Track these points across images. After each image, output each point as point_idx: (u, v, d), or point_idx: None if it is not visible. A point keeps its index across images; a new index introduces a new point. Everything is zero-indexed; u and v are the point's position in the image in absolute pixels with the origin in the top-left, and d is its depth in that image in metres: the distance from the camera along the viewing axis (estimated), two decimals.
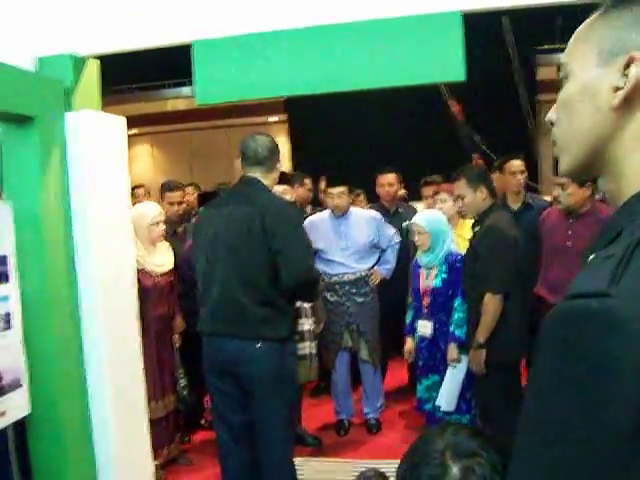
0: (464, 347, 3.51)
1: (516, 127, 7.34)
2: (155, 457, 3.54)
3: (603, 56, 0.76)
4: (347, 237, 4.29)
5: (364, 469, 1.45)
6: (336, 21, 2.82)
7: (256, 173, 3.10)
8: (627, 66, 0.73)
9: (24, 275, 2.57)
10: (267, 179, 3.10)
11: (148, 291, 3.65)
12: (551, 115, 0.88)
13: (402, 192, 5.41)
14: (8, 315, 2.45)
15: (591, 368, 0.58)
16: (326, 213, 4.42)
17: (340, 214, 4.29)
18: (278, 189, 3.56)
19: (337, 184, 4.25)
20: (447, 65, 2.76)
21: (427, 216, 3.78)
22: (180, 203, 4.63)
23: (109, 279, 2.92)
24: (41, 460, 2.65)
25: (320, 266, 4.16)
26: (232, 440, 3.05)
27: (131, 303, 3.11)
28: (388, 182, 4.95)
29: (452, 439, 1.06)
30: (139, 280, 3.57)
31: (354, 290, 4.28)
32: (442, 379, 3.62)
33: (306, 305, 3.88)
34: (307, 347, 3.89)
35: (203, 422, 4.61)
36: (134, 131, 10.23)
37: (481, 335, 3.27)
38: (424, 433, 1.14)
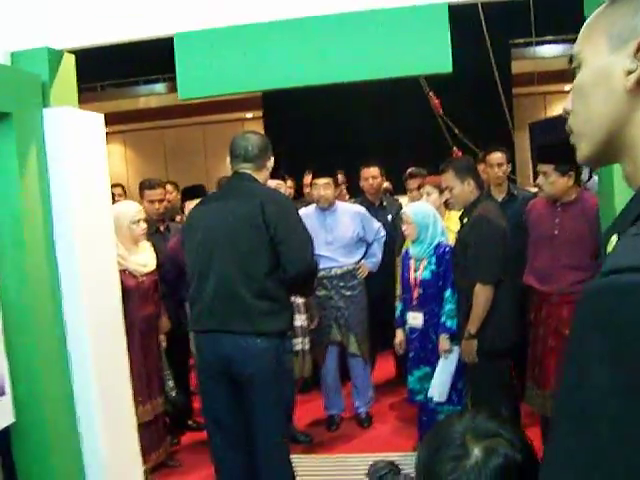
0: (455, 338, 3.54)
1: (495, 120, 7.37)
2: (145, 461, 3.47)
3: (614, 42, 0.79)
4: (332, 231, 4.30)
5: (374, 461, 1.42)
6: (320, 13, 2.78)
7: (247, 170, 3.05)
8: (638, 50, 0.75)
9: (4, 278, 2.48)
10: (258, 176, 3.05)
11: (131, 292, 3.56)
12: (567, 105, 0.89)
13: (386, 185, 5.39)
14: None
15: (635, 341, 0.57)
16: (311, 208, 4.41)
17: (326, 206, 4.29)
18: (272, 184, 3.52)
19: (323, 176, 4.25)
20: (434, 57, 2.74)
21: (415, 207, 3.81)
22: (161, 201, 4.53)
23: (93, 280, 2.83)
24: (26, 469, 2.56)
25: None
26: (227, 444, 2.98)
27: (116, 304, 3.02)
28: (372, 175, 4.97)
29: (470, 422, 1.09)
30: (121, 281, 3.49)
31: (342, 284, 4.30)
32: (433, 370, 3.62)
33: (299, 301, 3.84)
34: (300, 343, 3.86)
35: (191, 423, 4.54)
36: (105, 130, 10.05)
37: (472, 325, 3.33)
38: (442, 420, 1.17)
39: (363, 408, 4.51)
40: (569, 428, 0.63)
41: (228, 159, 3.11)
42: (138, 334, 3.64)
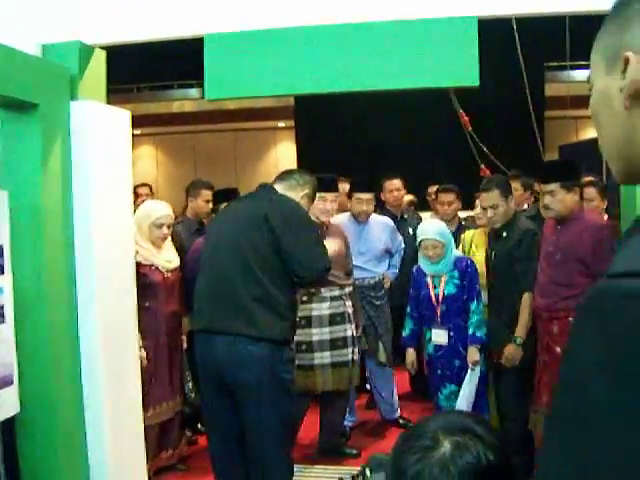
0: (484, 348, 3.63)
1: (524, 141, 7.30)
2: (156, 459, 3.45)
3: (609, 63, 0.79)
4: (366, 242, 4.33)
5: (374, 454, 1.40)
6: (350, 20, 2.78)
7: (277, 186, 3.07)
8: (625, 67, 0.76)
9: (20, 268, 2.49)
10: (284, 192, 3.04)
11: (158, 287, 3.55)
12: None
13: (410, 198, 5.36)
14: (2, 308, 2.35)
15: (633, 346, 0.56)
16: (345, 217, 4.42)
17: (364, 220, 4.35)
18: (329, 197, 3.76)
19: (366, 190, 4.32)
20: (461, 70, 2.74)
21: (437, 228, 3.74)
22: (209, 201, 4.69)
23: (109, 275, 2.83)
24: (30, 462, 2.55)
25: None
26: (225, 452, 2.92)
27: (130, 301, 3.02)
28: (395, 187, 4.99)
29: (444, 419, 1.06)
30: (147, 276, 3.50)
31: (373, 294, 4.35)
32: (460, 387, 3.60)
33: (349, 310, 3.83)
34: (349, 353, 3.82)
35: (200, 426, 4.52)
36: (137, 131, 10.17)
37: (522, 332, 3.48)
38: (420, 418, 1.14)
39: (395, 413, 4.52)
40: (564, 431, 0.62)
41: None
42: (165, 330, 3.63)
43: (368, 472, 1.18)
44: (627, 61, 0.75)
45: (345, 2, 2.80)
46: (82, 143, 2.75)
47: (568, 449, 0.61)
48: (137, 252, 3.43)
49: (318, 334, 3.73)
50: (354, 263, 4.16)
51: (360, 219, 4.35)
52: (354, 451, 4.14)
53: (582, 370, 0.60)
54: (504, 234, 3.63)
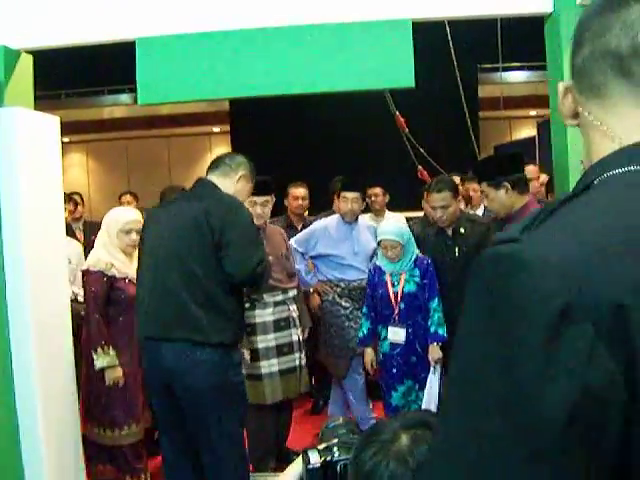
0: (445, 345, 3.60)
1: (460, 142, 7.43)
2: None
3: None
4: (358, 242, 4.25)
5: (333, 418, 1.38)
6: (285, 23, 2.76)
7: (212, 177, 2.96)
8: (564, 94, 0.86)
9: None
10: (222, 183, 2.94)
11: (131, 300, 3.20)
12: None
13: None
14: None
15: (497, 305, 0.63)
16: (334, 219, 4.36)
17: (352, 219, 4.26)
18: (259, 200, 3.60)
19: (352, 190, 4.22)
20: (397, 71, 2.77)
21: (395, 228, 3.72)
22: None
23: (41, 287, 2.73)
24: None
25: (335, 273, 4.20)
26: (178, 461, 2.86)
27: (63, 311, 2.93)
28: (374, 193, 5.01)
29: (403, 417, 1.08)
30: (124, 290, 3.29)
31: None
32: (416, 382, 3.61)
33: (294, 315, 3.75)
34: (297, 359, 3.73)
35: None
36: (66, 139, 9.88)
37: None
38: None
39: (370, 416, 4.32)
40: (454, 382, 0.69)
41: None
42: (138, 345, 3.43)
43: (337, 451, 1.19)
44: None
45: (279, 5, 2.78)
46: (9, 150, 2.64)
47: (460, 403, 0.66)
48: (112, 265, 3.26)
49: (263, 341, 3.63)
50: (350, 263, 4.12)
51: (347, 218, 4.27)
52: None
53: (467, 325, 0.67)
54: (462, 230, 3.69)
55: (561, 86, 0.85)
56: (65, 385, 2.90)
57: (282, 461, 3.91)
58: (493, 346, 0.62)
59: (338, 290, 4.18)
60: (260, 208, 3.65)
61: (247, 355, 3.54)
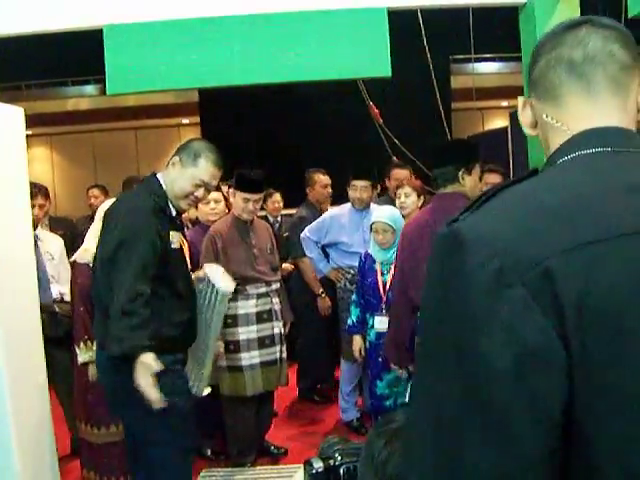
0: None
1: (433, 132, 7.42)
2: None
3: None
4: (367, 230, 4.16)
5: (327, 437, 1.40)
6: (258, 11, 2.69)
7: (162, 169, 2.74)
8: (523, 106, 1.00)
9: None
10: (164, 174, 2.67)
11: None
12: None
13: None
14: None
15: (445, 274, 0.76)
16: (346, 207, 4.44)
17: (362, 207, 4.34)
18: (253, 198, 3.63)
19: (362, 178, 4.29)
20: (373, 61, 2.72)
21: (391, 214, 3.71)
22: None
23: (8, 285, 2.61)
24: None
25: (346, 261, 4.34)
26: (130, 460, 2.77)
27: (34, 322, 2.83)
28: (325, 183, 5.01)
29: None
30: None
31: None
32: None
33: (277, 307, 3.74)
34: (278, 352, 3.72)
35: None
36: (29, 132, 9.62)
37: None
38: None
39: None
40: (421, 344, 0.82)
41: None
42: None
43: (338, 456, 1.22)
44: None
45: None
46: None
47: (423, 364, 0.81)
48: None
49: (245, 333, 3.63)
50: (360, 251, 4.05)
51: (357, 207, 4.35)
52: (282, 450, 3.99)
53: (426, 291, 0.81)
54: None
55: (520, 100, 0.99)
56: (37, 392, 2.80)
57: (262, 454, 3.91)
58: (445, 309, 0.75)
59: (349, 277, 4.30)
60: (252, 205, 3.70)
61: (221, 348, 3.55)
